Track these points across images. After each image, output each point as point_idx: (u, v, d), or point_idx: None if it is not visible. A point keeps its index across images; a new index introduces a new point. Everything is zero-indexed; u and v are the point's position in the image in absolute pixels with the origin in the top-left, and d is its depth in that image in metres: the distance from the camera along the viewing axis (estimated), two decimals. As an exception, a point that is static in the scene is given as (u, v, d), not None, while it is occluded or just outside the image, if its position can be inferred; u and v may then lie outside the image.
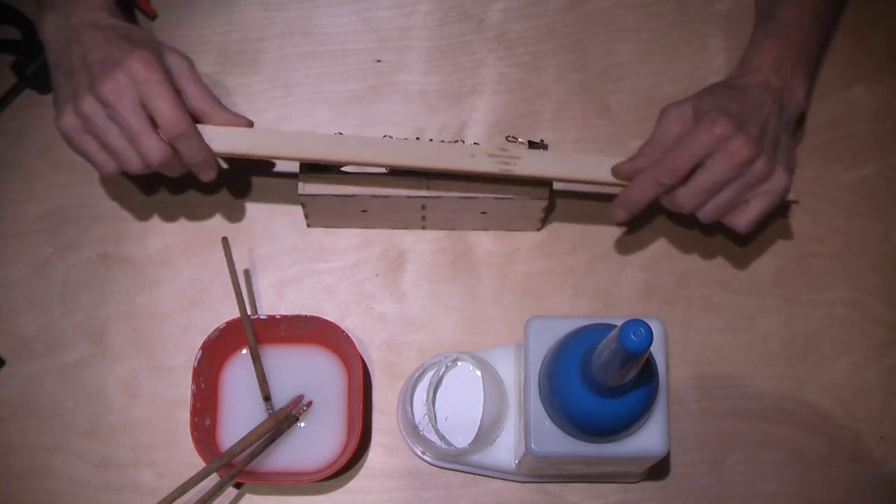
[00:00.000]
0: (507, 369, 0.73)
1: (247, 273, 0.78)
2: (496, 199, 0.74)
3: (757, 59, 0.74)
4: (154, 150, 0.68)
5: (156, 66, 0.67)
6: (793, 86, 0.74)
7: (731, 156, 0.68)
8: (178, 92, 0.69)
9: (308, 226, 0.80)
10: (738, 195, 0.70)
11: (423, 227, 0.79)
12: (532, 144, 0.78)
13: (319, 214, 0.78)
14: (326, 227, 0.80)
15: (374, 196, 0.74)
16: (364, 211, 0.76)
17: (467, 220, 0.78)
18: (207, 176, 0.72)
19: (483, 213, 0.76)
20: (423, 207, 0.75)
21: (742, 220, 0.71)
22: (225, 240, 0.74)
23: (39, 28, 0.72)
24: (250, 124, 0.72)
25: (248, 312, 0.73)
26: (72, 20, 0.70)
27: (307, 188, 0.73)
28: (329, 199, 0.74)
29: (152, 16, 0.84)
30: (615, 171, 0.72)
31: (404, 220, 0.79)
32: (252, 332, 0.72)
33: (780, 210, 0.79)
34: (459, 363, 0.74)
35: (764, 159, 0.69)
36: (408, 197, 0.74)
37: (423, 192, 0.74)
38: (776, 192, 0.70)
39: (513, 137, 0.79)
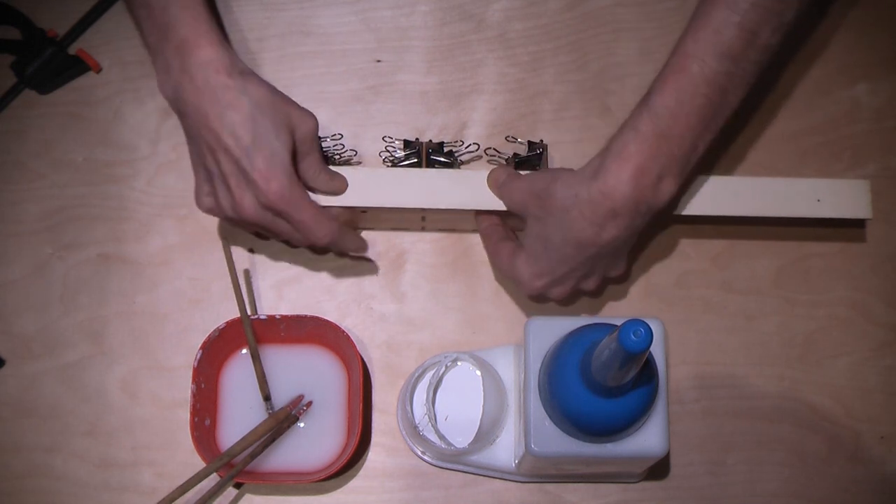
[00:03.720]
0: (507, 369, 0.73)
1: (247, 273, 0.78)
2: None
3: (617, 168, 0.65)
4: (317, 236, 0.70)
5: (290, 189, 0.67)
6: (657, 191, 0.66)
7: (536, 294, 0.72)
8: (316, 205, 0.70)
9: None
10: None
11: (423, 229, 0.79)
12: (532, 145, 0.78)
13: (319, 215, 0.78)
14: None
15: None
16: (364, 212, 0.76)
17: (467, 220, 0.78)
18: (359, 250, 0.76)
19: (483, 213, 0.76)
20: (423, 208, 0.75)
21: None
22: (225, 240, 0.74)
23: (158, 84, 0.69)
24: (345, 186, 0.73)
25: (248, 312, 0.73)
26: (187, 83, 0.66)
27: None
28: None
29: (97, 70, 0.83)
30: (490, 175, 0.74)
31: (404, 222, 0.78)
32: (252, 332, 0.72)
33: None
34: (459, 363, 0.74)
35: (568, 287, 0.71)
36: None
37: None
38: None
39: (512, 138, 0.79)
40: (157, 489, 0.73)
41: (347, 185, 0.73)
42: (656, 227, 0.80)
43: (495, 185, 0.73)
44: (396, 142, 0.78)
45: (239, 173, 0.67)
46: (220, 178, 0.68)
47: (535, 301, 0.77)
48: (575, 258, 0.68)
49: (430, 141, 0.79)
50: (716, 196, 0.73)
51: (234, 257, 0.75)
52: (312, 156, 0.71)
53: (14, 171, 0.80)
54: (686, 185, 0.71)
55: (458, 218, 0.77)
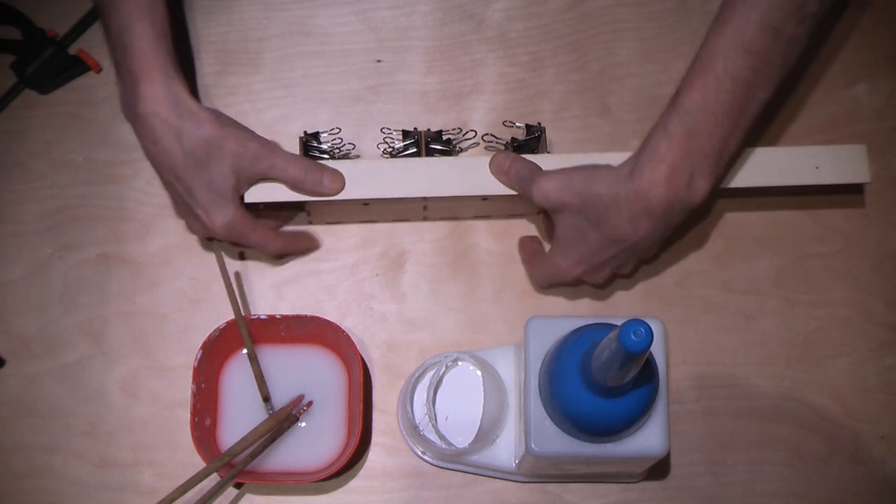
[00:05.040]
0: (507, 369, 0.73)
1: (246, 274, 0.78)
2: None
3: (650, 169, 0.66)
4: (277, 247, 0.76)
5: (234, 219, 0.71)
6: (690, 190, 0.67)
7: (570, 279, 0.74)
8: (262, 226, 0.74)
9: (310, 223, 0.80)
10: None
11: (425, 218, 0.79)
12: (529, 128, 0.78)
13: (322, 212, 0.78)
14: (329, 223, 0.80)
15: None
16: (366, 204, 0.75)
17: (469, 207, 0.78)
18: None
19: (484, 198, 0.76)
20: (425, 197, 0.75)
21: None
22: (217, 247, 0.74)
23: (120, 105, 0.71)
24: (340, 185, 0.73)
25: (247, 313, 0.73)
26: (134, 117, 0.69)
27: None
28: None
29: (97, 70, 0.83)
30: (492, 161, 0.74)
31: (406, 211, 0.78)
32: (248, 335, 0.72)
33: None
34: (459, 363, 0.74)
35: (605, 274, 0.74)
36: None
37: None
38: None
39: (510, 122, 0.80)
40: (157, 489, 0.73)
41: (344, 185, 0.73)
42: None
43: (499, 170, 0.74)
44: (395, 132, 0.78)
45: (186, 207, 0.71)
46: (179, 203, 0.74)
47: (572, 286, 0.77)
48: (611, 249, 0.70)
49: (429, 130, 0.79)
50: None
51: (234, 256, 0.75)
52: (280, 169, 0.71)
53: (14, 171, 0.80)
54: (720, 182, 0.72)
55: (460, 205, 0.77)
